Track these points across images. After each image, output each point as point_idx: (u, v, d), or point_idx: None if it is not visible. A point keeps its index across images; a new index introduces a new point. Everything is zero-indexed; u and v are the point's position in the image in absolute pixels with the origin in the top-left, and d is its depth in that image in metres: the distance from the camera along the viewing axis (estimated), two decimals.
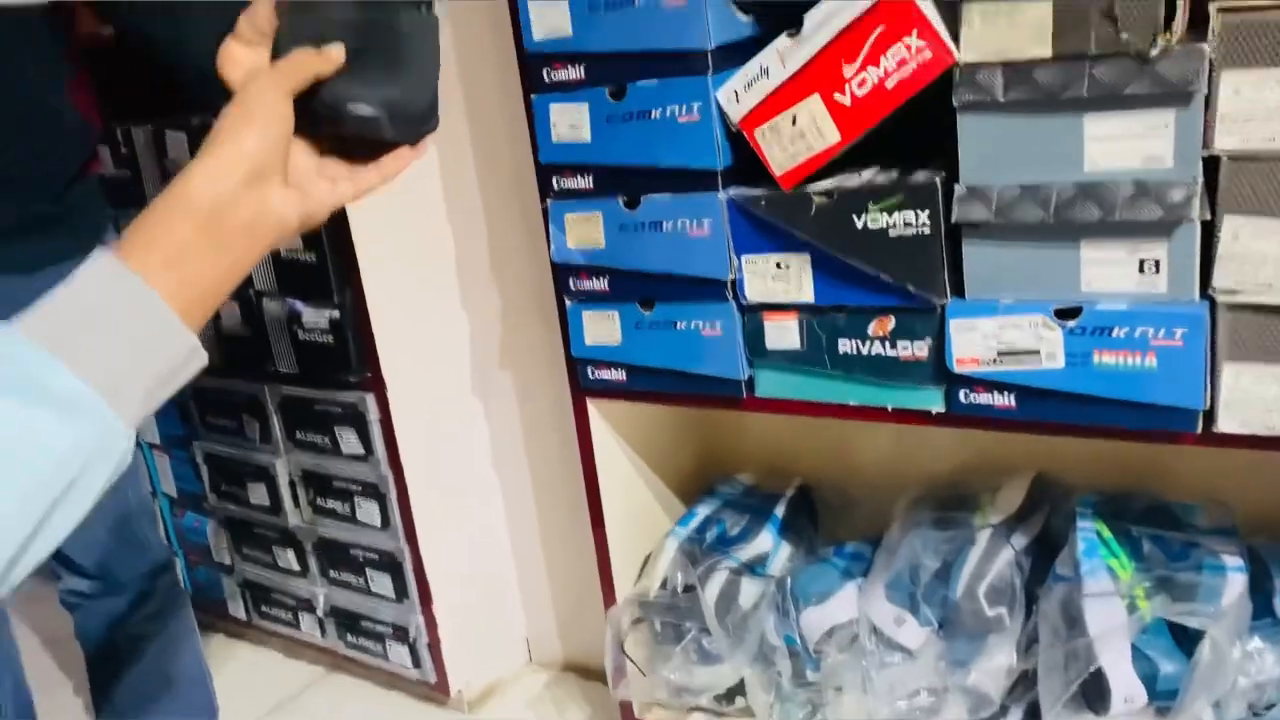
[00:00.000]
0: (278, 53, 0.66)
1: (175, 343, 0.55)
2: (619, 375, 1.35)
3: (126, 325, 0.53)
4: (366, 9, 0.68)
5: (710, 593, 1.40)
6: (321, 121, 0.68)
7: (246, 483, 1.81)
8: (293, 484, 1.75)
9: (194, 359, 0.57)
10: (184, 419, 1.89)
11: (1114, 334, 0.99)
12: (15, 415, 0.48)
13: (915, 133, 1.14)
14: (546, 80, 1.23)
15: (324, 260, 1.51)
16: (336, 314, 1.54)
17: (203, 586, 2.05)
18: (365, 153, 0.72)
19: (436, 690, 1.76)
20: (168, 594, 1.46)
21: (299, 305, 1.58)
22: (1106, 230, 0.98)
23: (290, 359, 1.63)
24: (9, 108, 1.12)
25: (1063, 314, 1.02)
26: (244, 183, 0.59)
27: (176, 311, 0.55)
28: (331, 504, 1.71)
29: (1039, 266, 1.02)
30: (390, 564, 1.69)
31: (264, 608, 1.94)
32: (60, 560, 1.36)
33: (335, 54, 0.66)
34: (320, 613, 1.82)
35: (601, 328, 1.33)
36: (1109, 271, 1.00)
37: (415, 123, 0.72)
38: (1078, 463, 1.39)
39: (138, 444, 2.00)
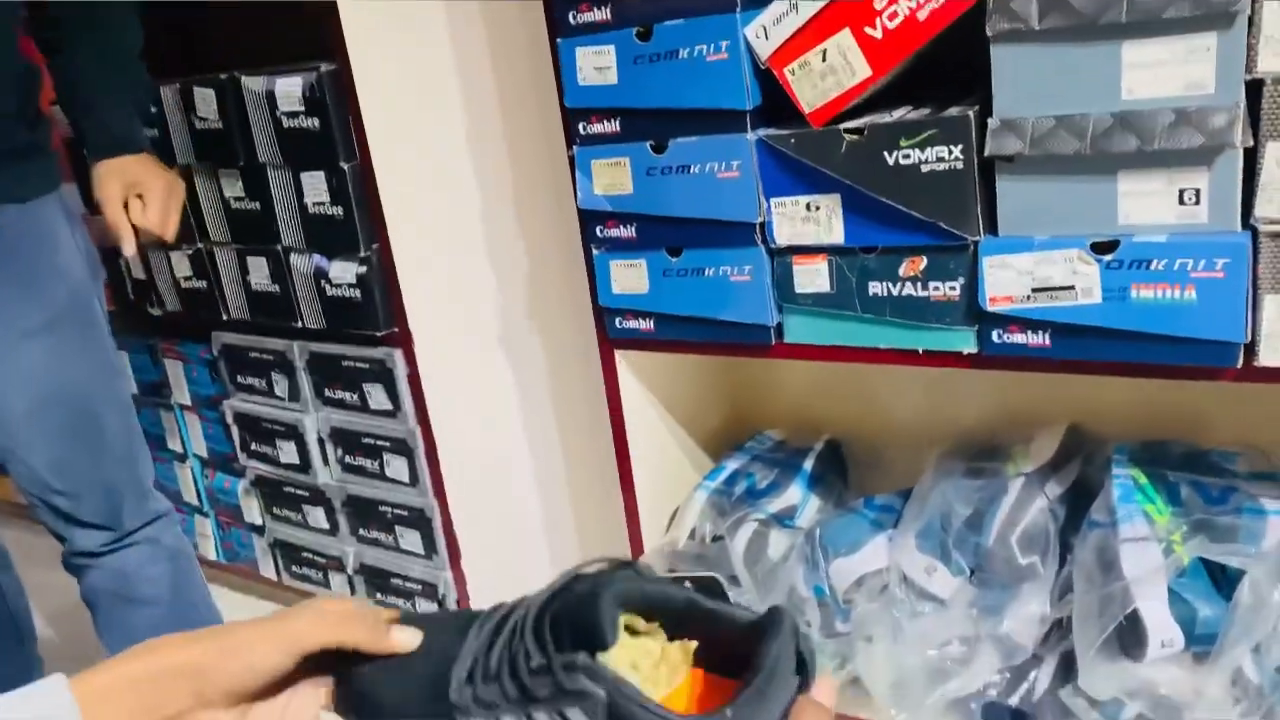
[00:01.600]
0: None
1: None
2: (647, 325, 1.34)
3: None
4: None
5: (738, 544, 1.40)
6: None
7: (276, 441, 1.82)
8: (321, 441, 1.76)
9: None
10: (214, 378, 1.91)
11: (1152, 267, 0.97)
12: None
13: (948, 76, 1.12)
14: (572, 22, 1.21)
15: (350, 214, 1.51)
16: (363, 269, 1.54)
17: (234, 547, 2.07)
18: None
19: None
20: (174, 545, 1.47)
21: (325, 261, 1.58)
22: (1145, 160, 0.96)
23: (318, 315, 1.63)
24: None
25: (1099, 248, 1.00)
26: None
27: None
28: (360, 461, 1.72)
29: (1075, 200, 1.00)
30: (419, 521, 1.69)
31: (294, 567, 1.95)
32: (68, 520, 1.37)
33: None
34: (350, 570, 1.84)
35: (629, 276, 1.32)
36: (1147, 203, 0.97)
37: None
38: (1112, 413, 1.37)
39: (160, 400, 2.01)
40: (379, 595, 1.82)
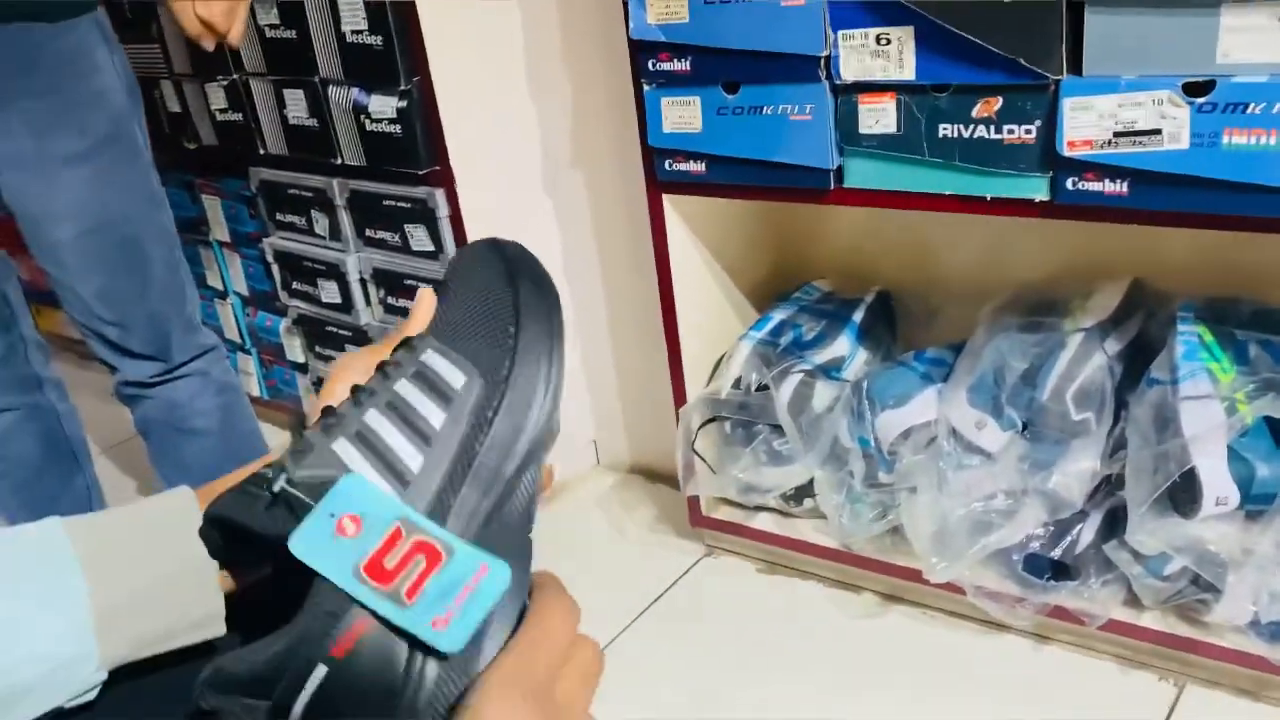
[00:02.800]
0: None
1: (200, 602, 0.48)
2: (698, 167, 1.29)
3: (161, 563, 0.47)
4: None
5: (784, 394, 1.38)
6: None
7: (318, 280, 1.81)
8: (364, 281, 1.75)
9: (208, 626, 0.48)
10: (253, 215, 1.88)
11: (1249, 110, 0.91)
12: None
13: None
14: None
15: (390, 44, 1.44)
16: (403, 104, 1.49)
17: (278, 385, 2.09)
18: None
19: None
20: (223, 379, 1.48)
21: (364, 95, 1.53)
22: None
23: (357, 151, 1.59)
24: None
25: (1192, 89, 0.93)
26: None
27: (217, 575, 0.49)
28: (403, 303, 1.71)
29: (1170, 36, 0.93)
30: None
31: None
32: (118, 350, 1.38)
33: None
34: None
35: (681, 114, 1.26)
36: (1251, 40, 0.90)
37: None
38: (1178, 270, 1.32)
39: (195, 239, 2.00)
40: None
